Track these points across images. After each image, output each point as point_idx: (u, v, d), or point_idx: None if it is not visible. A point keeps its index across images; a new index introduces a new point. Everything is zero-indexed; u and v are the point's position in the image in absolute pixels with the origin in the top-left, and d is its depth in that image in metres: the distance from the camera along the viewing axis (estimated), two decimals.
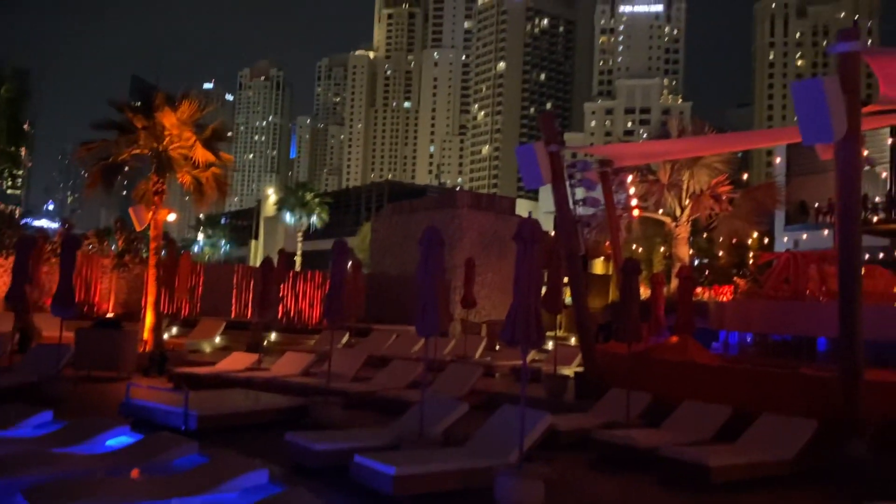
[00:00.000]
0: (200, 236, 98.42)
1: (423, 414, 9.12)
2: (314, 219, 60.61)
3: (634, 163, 22.65)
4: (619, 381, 11.71)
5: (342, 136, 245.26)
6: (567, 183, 14.81)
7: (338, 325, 13.98)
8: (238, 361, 15.63)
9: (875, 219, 30.38)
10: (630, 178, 23.25)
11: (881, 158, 31.71)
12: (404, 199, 35.44)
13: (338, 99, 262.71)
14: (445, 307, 22.66)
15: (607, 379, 12.57)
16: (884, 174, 32.01)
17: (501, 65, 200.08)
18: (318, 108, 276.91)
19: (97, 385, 14.27)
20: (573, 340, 23.48)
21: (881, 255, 28.63)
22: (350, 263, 27.70)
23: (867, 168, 31.61)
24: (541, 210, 72.51)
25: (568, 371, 16.20)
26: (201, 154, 18.98)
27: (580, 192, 17.20)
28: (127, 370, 15.28)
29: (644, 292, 24.48)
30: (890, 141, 31.47)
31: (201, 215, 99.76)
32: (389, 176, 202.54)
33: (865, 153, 31.52)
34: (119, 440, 8.43)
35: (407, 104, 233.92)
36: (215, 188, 19.75)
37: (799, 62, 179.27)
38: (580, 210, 17.39)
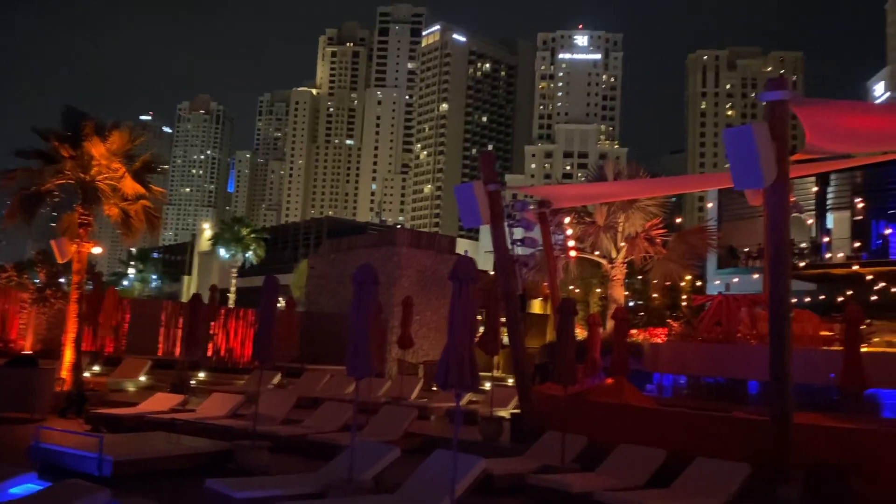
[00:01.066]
0: (131, 271, 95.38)
1: (353, 459, 8.77)
2: (249, 255, 59.43)
3: (572, 204, 22.91)
4: (555, 424, 11.56)
5: (282, 172, 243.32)
6: (506, 223, 14.80)
7: (267, 365, 13.50)
8: (161, 402, 14.93)
9: (802, 264, 31.47)
10: (567, 220, 23.48)
11: (807, 206, 33.01)
12: (344, 237, 35.07)
13: (279, 134, 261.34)
14: (379, 348, 22.32)
15: (543, 421, 12.42)
16: (810, 221, 33.28)
17: (444, 106, 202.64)
18: (258, 142, 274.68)
19: (7, 427, 13.37)
20: (511, 381, 23.36)
21: (807, 300, 29.55)
22: (284, 301, 27.14)
23: (795, 214, 32.83)
24: (481, 249, 72.84)
25: (504, 413, 15.99)
26: (130, 186, 18.32)
27: (519, 233, 17.23)
28: (42, 411, 14.39)
29: (581, 333, 24.64)
30: (815, 189, 32.82)
31: (133, 249, 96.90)
32: (330, 213, 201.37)
33: (793, 199, 32.78)
34: (24, 488, 7.82)
35: (349, 141, 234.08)
36: (145, 221, 19.05)
37: (729, 112, 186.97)
38: (518, 250, 17.43)
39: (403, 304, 19.96)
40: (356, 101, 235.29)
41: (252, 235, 60.05)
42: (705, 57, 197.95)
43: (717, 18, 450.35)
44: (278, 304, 28.17)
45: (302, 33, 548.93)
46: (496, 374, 27.20)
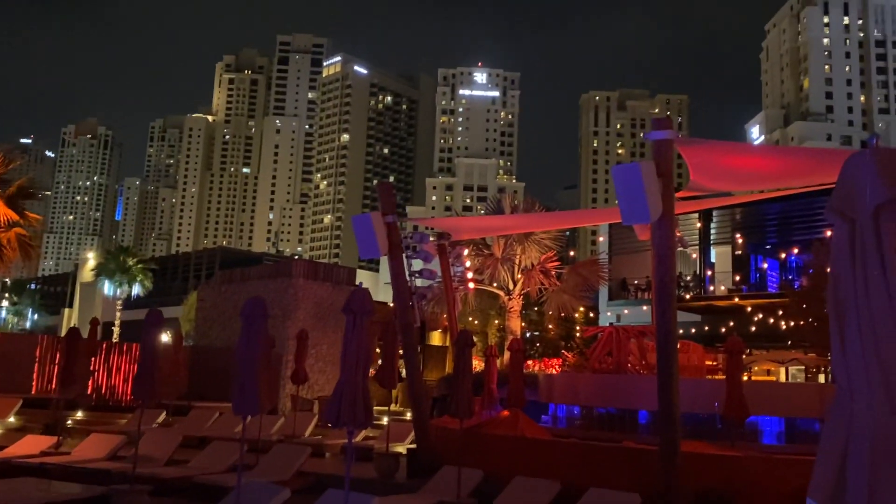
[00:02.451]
0: (4, 303, 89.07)
1: (240, 501, 8.31)
2: (136, 286, 56.66)
3: (470, 236, 23.12)
4: (451, 458, 11.41)
5: (174, 200, 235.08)
6: (405, 254, 14.69)
7: (149, 403, 12.74)
8: (32, 445, 13.80)
9: (688, 296, 32.93)
10: (466, 252, 23.65)
11: (692, 240, 34.66)
12: (238, 267, 33.99)
13: (171, 161, 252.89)
14: (270, 384, 21.59)
15: (440, 456, 12.25)
16: (694, 255, 34.93)
17: (345, 136, 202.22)
18: (149, 169, 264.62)
19: None
20: (409, 415, 23.10)
21: (693, 331, 30.87)
22: (171, 335, 25.92)
23: (680, 248, 34.38)
24: (381, 281, 72.40)
25: (401, 448, 15.71)
26: (2, 212, 17.13)
27: (417, 264, 17.15)
28: None
29: (479, 365, 24.73)
30: (699, 225, 34.53)
31: (7, 280, 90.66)
32: (224, 242, 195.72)
33: (679, 234, 34.42)
34: None
35: (246, 170, 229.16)
36: (18, 250, 17.82)
37: (620, 150, 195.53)
38: (417, 281, 17.32)
39: (298, 338, 19.41)
40: (254, 129, 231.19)
41: (139, 266, 57.33)
42: (597, 98, 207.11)
43: (608, 62, 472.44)
44: (165, 339, 26.84)
45: (198, 59, 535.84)
46: (394, 407, 26.86)
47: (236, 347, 8.63)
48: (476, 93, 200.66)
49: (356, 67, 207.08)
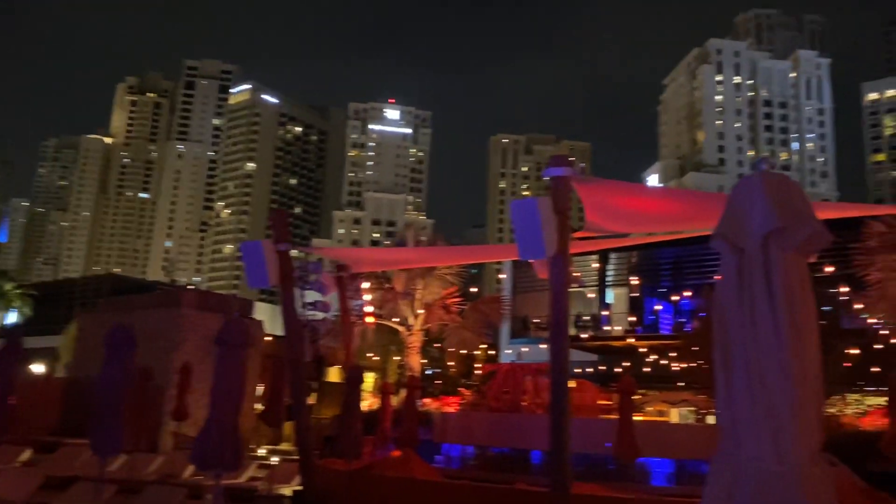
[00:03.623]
0: None
1: None
2: (13, 312, 52.91)
3: (371, 269, 22.64)
4: (337, 501, 10.80)
5: (64, 223, 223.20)
6: (300, 286, 14.07)
7: (4, 439, 11.55)
8: None
9: (585, 335, 33.43)
10: (366, 285, 23.16)
11: (590, 281, 35.35)
12: (128, 296, 32.15)
13: (64, 182, 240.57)
14: (147, 420, 20.19)
15: (326, 498, 11.58)
16: (591, 295, 35.62)
17: (251, 165, 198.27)
18: (38, 190, 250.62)
19: None
20: None
21: (589, 370, 31.27)
22: (45, 366, 24.08)
23: (579, 288, 35.03)
24: (280, 314, 70.32)
25: (287, 490, 14.89)
26: None
27: (312, 296, 16.52)
28: None
29: (376, 402, 24.09)
30: (597, 265, 35.30)
31: None
32: (117, 270, 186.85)
33: (578, 275, 35.16)
34: None
35: (144, 195, 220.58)
36: None
37: (526, 192, 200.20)
38: (309, 314, 16.68)
39: (181, 372, 18.30)
40: (155, 154, 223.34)
41: (17, 291, 53.62)
42: (505, 140, 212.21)
43: (517, 107, 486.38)
44: (39, 369, 24.86)
45: (97, 79, 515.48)
46: (285, 446, 25.78)
47: (97, 379, 7.87)
48: (387, 128, 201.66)
49: (265, 96, 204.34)
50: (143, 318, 24.69)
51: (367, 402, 26.18)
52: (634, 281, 34.88)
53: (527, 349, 33.73)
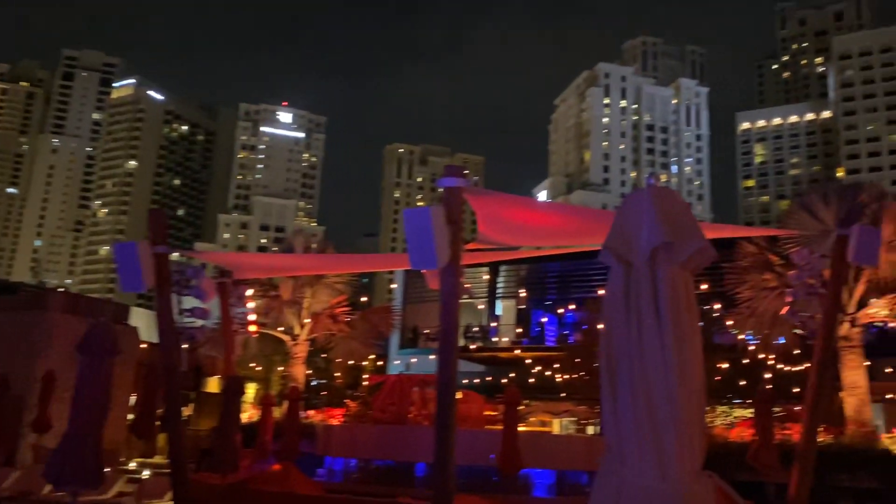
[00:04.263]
0: None
1: None
2: None
3: (256, 275, 21.86)
4: None
5: None
6: (177, 291, 13.33)
7: None
8: None
9: (473, 346, 33.71)
10: (250, 292, 22.32)
11: (481, 293, 35.72)
12: None
13: None
14: (2, 431, 18.66)
15: None
16: (481, 306, 36.00)
17: (132, 163, 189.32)
18: None
19: None
20: None
21: (476, 381, 31.51)
22: None
23: (469, 299, 35.32)
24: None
25: None
26: None
27: (190, 302, 15.73)
28: None
29: (257, 414, 23.25)
30: (487, 277, 35.72)
31: None
32: None
33: (468, 286, 35.44)
34: None
35: (12, 190, 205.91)
36: None
37: (420, 202, 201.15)
38: (187, 321, 15.87)
39: (44, 380, 17.00)
40: (26, 147, 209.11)
41: None
42: (401, 150, 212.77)
43: (412, 117, 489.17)
44: None
45: None
46: (158, 459, 24.48)
47: None
48: (279, 131, 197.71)
49: (151, 92, 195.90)
50: (2, 322, 22.86)
51: (248, 414, 25.29)
52: (523, 293, 35.54)
53: (415, 360, 33.64)
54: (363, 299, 34.11)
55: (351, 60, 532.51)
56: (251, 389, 32.86)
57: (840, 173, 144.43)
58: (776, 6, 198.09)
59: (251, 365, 31.21)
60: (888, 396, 25.48)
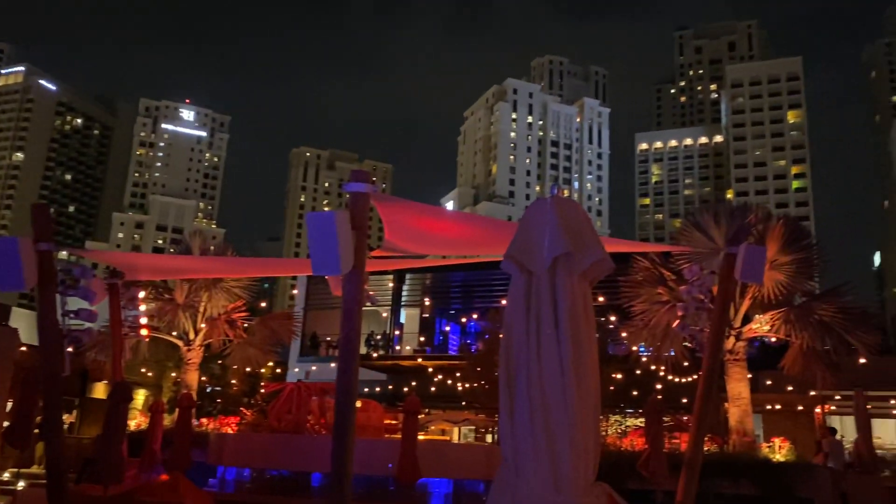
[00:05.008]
0: None
1: None
2: None
3: (150, 277, 20.91)
4: None
5: None
6: (62, 291, 12.56)
7: None
8: None
9: (375, 354, 33.48)
10: (142, 294, 21.32)
11: (385, 300, 35.53)
12: None
13: None
14: None
15: None
16: (384, 314, 35.81)
17: (19, 155, 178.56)
18: None
19: None
20: None
21: (378, 389, 31.31)
22: None
23: (373, 307, 35.05)
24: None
25: None
26: None
27: (75, 303, 14.89)
28: None
29: (146, 421, 22.22)
30: (392, 285, 35.58)
31: None
32: None
33: (373, 293, 35.09)
34: None
35: None
36: None
37: (326, 208, 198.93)
38: (72, 323, 15.02)
39: None
40: None
41: None
42: (308, 154, 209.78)
43: (320, 122, 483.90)
44: None
45: None
46: (35, 469, 23.05)
47: None
48: (181, 129, 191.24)
49: (42, 81, 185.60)
50: None
51: (136, 421, 24.18)
52: (427, 302, 35.61)
53: (315, 368, 33.11)
54: (263, 304, 33.31)
55: (259, 61, 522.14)
56: (141, 395, 31.44)
57: (729, 195, 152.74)
58: (675, 34, 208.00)
59: (142, 370, 29.89)
60: (768, 407, 26.99)
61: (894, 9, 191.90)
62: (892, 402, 25.24)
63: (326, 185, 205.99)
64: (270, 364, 30.97)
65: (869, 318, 17.98)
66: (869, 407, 21.94)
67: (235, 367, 26.67)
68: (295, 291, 38.85)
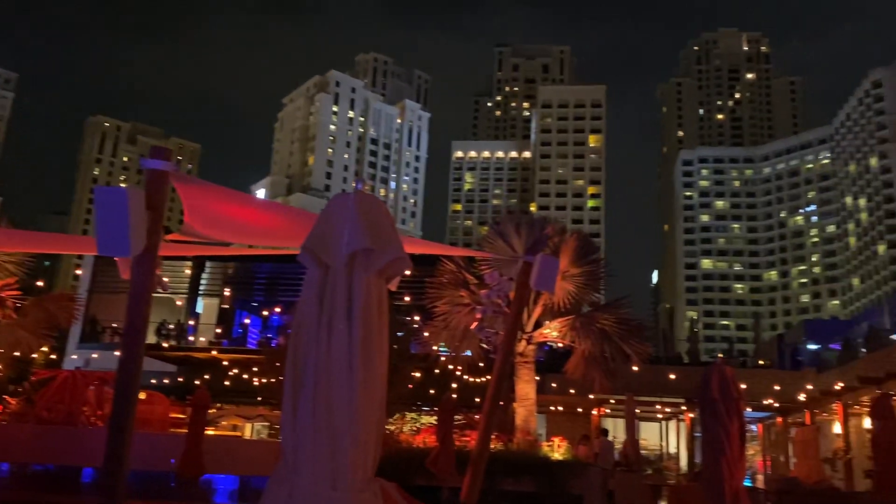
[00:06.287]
0: None
1: None
2: None
3: None
4: None
5: None
6: None
7: None
8: None
9: (166, 345, 31.59)
10: None
11: (181, 288, 33.66)
12: None
13: None
14: None
15: None
16: (179, 303, 33.93)
17: None
18: None
19: None
20: None
21: (166, 381, 29.55)
22: None
23: (164, 294, 33.07)
24: None
25: None
26: None
27: None
28: None
29: None
30: (189, 272, 33.81)
31: None
32: None
33: (166, 280, 33.07)
34: None
35: None
36: None
37: (123, 184, 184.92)
38: None
39: None
40: None
41: None
42: (107, 124, 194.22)
43: (121, 90, 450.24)
44: None
45: None
46: None
47: None
48: None
49: None
50: None
51: None
52: (227, 292, 34.24)
53: (96, 355, 30.68)
54: (40, 284, 30.12)
55: (55, 17, 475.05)
56: None
57: (532, 207, 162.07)
58: (495, 49, 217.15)
59: None
60: (552, 408, 28.84)
61: (687, 51, 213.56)
62: (658, 406, 27.92)
63: (126, 159, 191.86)
64: (45, 349, 28.15)
65: (643, 330, 19.77)
66: (637, 411, 24.17)
67: (2, 350, 23.92)
68: (80, 272, 35.74)
